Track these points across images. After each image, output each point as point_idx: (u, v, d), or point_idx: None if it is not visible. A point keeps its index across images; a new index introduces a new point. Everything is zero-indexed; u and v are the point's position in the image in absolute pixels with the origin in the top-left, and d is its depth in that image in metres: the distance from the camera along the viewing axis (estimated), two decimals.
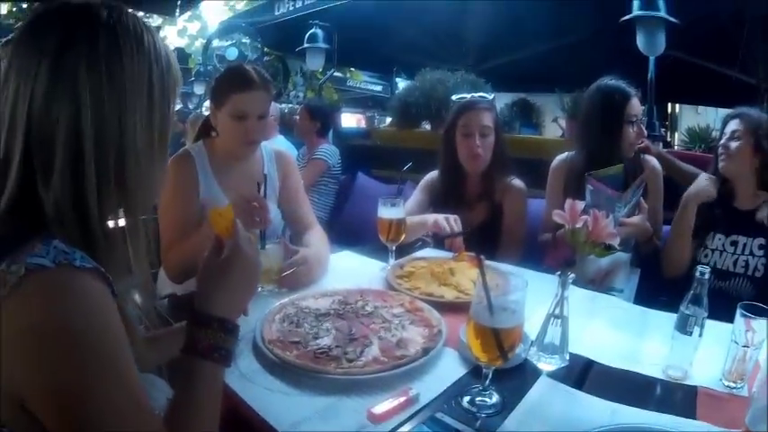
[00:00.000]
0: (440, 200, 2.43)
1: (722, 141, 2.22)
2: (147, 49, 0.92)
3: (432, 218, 2.13)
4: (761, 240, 2.17)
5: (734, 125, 2.20)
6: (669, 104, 11.31)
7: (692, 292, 1.32)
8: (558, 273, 1.32)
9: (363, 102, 14.95)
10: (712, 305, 1.34)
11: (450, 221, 2.06)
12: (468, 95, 2.49)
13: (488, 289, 1.07)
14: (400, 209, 2.01)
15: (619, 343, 1.52)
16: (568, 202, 1.32)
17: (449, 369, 1.31)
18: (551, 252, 1.30)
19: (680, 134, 7.38)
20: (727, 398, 1.26)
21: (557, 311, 1.33)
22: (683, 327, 1.33)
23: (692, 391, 1.29)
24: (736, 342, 1.29)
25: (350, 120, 14.09)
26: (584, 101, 2.45)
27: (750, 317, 1.25)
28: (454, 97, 2.51)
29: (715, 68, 6.13)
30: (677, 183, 2.50)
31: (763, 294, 2.04)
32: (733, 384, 1.29)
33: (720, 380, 1.32)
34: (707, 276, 1.31)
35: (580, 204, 1.31)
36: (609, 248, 1.32)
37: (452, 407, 1.16)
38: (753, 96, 5.59)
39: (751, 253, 2.18)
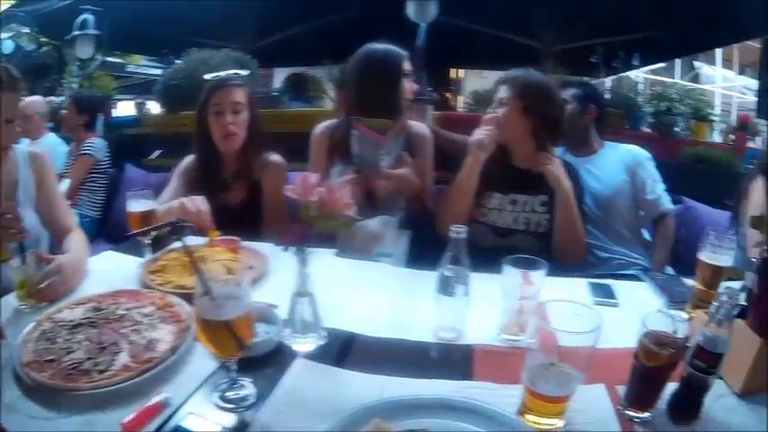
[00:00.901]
0: (196, 184, 2.35)
1: (490, 109, 2.28)
2: None
3: (177, 202, 2.06)
4: (543, 198, 2.24)
5: (502, 91, 2.25)
6: (452, 70, 11.99)
7: (450, 252, 1.34)
8: (291, 249, 1.30)
9: (145, 87, 14.23)
10: (494, 262, 1.37)
11: (195, 202, 2.00)
12: (224, 73, 2.42)
13: (207, 280, 1.03)
14: (150, 201, 1.92)
15: (385, 311, 1.53)
16: (300, 175, 1.28)
17: (201, 365, 1.25)
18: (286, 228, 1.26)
19: (465, 97, 7.81)
20: (509, 351, 1.31)
21: (301, 289, 1.32)
22: (445, 288, 1.35)
23: (467, 351, 1.32)
24: (508, 297, 1.34)
25: (131, 108, 13.27)
26: (355, 63, 2.42)
27: (525, 270, 1.31)
28: (206, 76, 2.42)
29: (498, 34, 6.58)
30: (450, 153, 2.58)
31: (547, 247, 2.19)
32: (513, 337, 1.35)
33: (500, 334, 1.37)
34: (462, 236, 1.34)
35: (313, 177, 1.28)
36: (348, 221, 1.29)
37: (206, 405, 1.12)
38: (537, 59, 6.08)
39: (533, 210, 2.25)
